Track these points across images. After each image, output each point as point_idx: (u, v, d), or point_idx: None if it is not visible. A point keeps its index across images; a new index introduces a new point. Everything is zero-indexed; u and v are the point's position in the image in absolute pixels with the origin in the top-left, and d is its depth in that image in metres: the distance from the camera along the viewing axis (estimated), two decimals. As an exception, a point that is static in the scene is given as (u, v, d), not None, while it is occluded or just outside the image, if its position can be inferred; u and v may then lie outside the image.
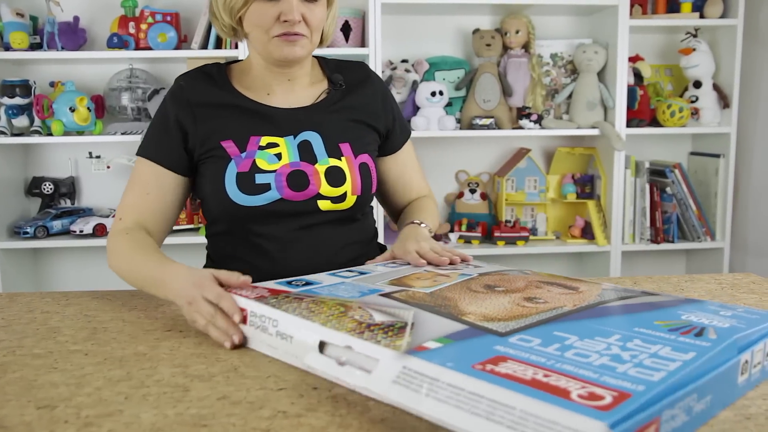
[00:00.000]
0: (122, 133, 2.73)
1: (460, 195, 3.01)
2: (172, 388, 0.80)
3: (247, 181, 1.24)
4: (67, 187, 2.90)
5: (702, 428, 0.68)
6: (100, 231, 2.72)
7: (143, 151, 1.29)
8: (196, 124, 1.27)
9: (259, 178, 1.24)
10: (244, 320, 0.92)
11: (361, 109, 1.37)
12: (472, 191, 3.00)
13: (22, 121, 2.73)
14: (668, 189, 2.94)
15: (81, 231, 2.70)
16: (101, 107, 2.82)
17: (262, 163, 1.25)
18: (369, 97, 1.39)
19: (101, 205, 2.96)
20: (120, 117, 2.84)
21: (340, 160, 1.30)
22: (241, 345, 0.92)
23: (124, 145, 2.85)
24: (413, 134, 2.79)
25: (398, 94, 2.89)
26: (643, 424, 0.58)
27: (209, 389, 0.79)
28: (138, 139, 2.66)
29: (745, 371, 0.75)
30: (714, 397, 0.70)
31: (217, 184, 1.25)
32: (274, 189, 1.24)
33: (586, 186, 3.00)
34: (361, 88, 1.39)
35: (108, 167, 2.88)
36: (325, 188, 1.28)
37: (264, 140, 1.27)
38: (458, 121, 2.90)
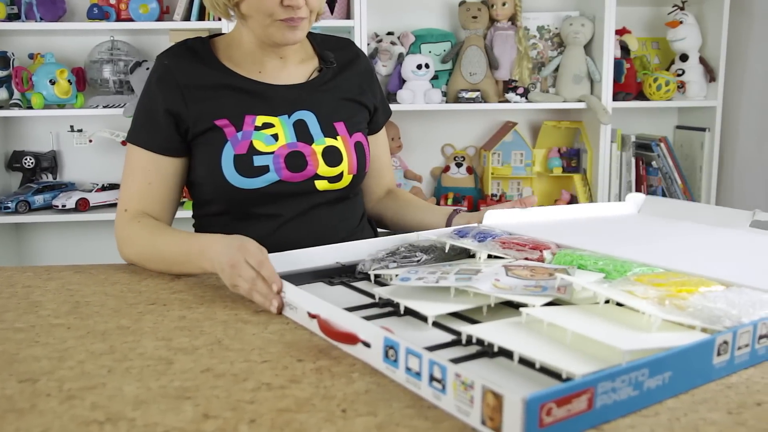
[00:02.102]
0: (104, 107, 2.70)
1: (446, 169, 3.01)
2: (156, 361, 0.80)
3: (245, 164, 1.22)
4: (49, 162, 2.87)
5: (682, 396, 0.69)
6: (82, 205, 2.70)
7: (136, 139, 1.26)
8: (188, 106, 1.24)
9: (258, 160, 1.23)
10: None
11: (353, 88, 1.37)
12: (459, 165, 3.00)
13: (1, 94, 2.69)
14: (654, 163, 2.95)
15: (63, 206, 2.67)
16: (82, 80, 2.79)
17: (259, 145, 1.24)
18: (359, 75, 1.39)
19: (84, 179, 2.94)
20: (102, 90, 2.81)
21: (336, 139, 1.30)
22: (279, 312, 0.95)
23: (106, 119, 2.83)
24: (399, 108, 2.78)
25: (384, 67, 2.87)
26: (573, 392, 0.60)
27: (193, 362, 0.79)
28: (120, 112, 2.63)
29: (724, 352, 0.73)
30: (676, 375, 0.68)
31: (213, 166, 1.23)
32: (273, 171, 1.23)
33: (572, 160, 3.00)
34: (352, 66, 1.39)
35: (90, 141, 2.85)
36: (323, 168, 1.27)
37: (259, 120, 1.26)
38: (444, 94, 2.89)
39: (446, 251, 1.09)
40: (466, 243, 1.09)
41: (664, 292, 0.83)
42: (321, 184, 1.29)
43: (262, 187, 1.24)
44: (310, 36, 1.39)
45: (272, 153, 1.24)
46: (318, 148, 1.27)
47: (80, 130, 2.87)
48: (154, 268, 1.18)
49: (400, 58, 2.85)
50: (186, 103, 1.24)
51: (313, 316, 0.87)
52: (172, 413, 0.67)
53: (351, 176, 1.31)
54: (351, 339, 0.79)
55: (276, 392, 0.71)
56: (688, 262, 1.00)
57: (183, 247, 1.12)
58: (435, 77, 2.89)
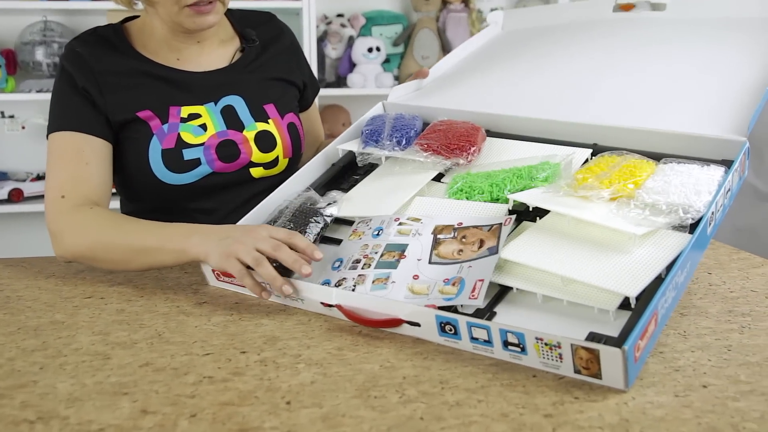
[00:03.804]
0: (37, 91, 2.63)
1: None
2: (91, 356, 0.79)
3: (174, 158, 1.19)
4: (-21, 150, 2.80)
5: (635, 381, 0.71)
6: (15, 196, 2.63)
7: (60, 125, 1.18)
8: (104, 95, 1.18)
9: (187, 154, 1.20)
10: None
11: (279, 66, 1.35)
12: (412, 151, 3.00)
13: (-75, 78, 2.61)
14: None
15: (-5, 196, 2.61)
16: (13, 63, 2.71)
17: (187, 137, 1.20)
18: (284, 51, 1.37)
19: (16, 168, 2.86)
20: (34, 74, 2.74)
21: (268, 123, 1.27)
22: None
23: (40, 104, 2.76)
24: (350, 92, 2.78)
25: (333, 50, 2.86)
26: (649, 320, 0.73)
27: (131, 356, 0.79)
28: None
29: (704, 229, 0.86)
30: (691, 264, 0.84)
31: (140, 163, 1.19)
32: (205, 163, 1.20)
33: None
34: (276, 42, 1.36)
35: (23, 128, 2.78)
36: (257, 155, 1.25)
37: (185, 111, 1.22)
38: (396, 78, 2.89)
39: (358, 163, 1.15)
40: (383, 150, 1.12)
41: (613, 192, 0.91)
42: (257, 172, 1.27)
43: (195, 181, 1.21)
44: (229, 13, 1.33)
45: (202, 144, 1.21)
46: (250, 134, 1.25)
47: (12, 117, 2.80)
48: (109, 262, 1.06)
49: (351, 41, 2.85)
50: (102, 91, 1.19)
51: (327, 305, 0.89)
52: (108, 410, 0.67)
53: (287, 160, 1.29)
54: (394, 323, 0.84)
55: (218, 385, 0.71)
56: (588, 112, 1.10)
57: (157, 232, 1.03)
58: (386, 60, 2.89)
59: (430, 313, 0.81)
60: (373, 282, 0.90)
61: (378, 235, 0.98)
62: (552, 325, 0.80)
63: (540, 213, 0.94)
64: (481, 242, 0.91)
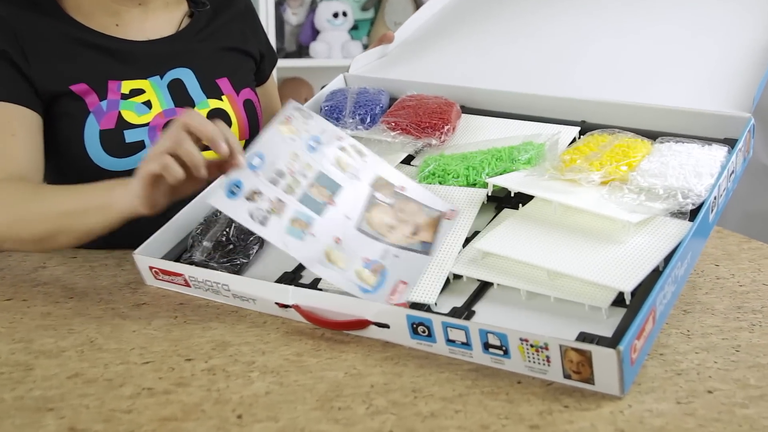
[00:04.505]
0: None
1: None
2: (11, 367, 0.77)
3: (115, 141, 1.16)
4: None
5: (631, 386, 0.71)
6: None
7: None
8: (30, 62, 1.15)
9: (129, 136, 1.17)
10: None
11: (233, 34, 1.33)
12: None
13: None
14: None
15: None
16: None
17: (129, 116, 1.18)
18: (238, 17, 1.35)
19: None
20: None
21: (221, 100, 1.26)
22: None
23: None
24: (313, 63, 2.76)
25: (294, 15, 2.84)
26: (646, 318, 0.72)
27: (58, 366, 0.77)
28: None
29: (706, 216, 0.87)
30: (693, 253, 0.86)
31: (73, 144, 1.16)
32: (149, 146, 1.17)
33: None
34: (228, 6, 1.34)
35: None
36: None
37: (126, 86, 1.19)
38: (365, 47, 2.88)
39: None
40: (345, 130, 1.10)
41: (604, 175, 0.91)
42: (209, 155, 1.23)
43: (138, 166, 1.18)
44: None
45: (146, 125, 1.18)
46: (201, 112, 1.23)
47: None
48: (33, 240, 1.02)
49: (313, 5, 2.83)
50: (27, 58, 1.15)
51: (283, 306, 0.88)
52: (30, 428, 0.65)
53: (243, 143, 1.28)
54: (359, 324, 0.83)
55: (159, 398, 0.70)
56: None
57: (79, 193, 0.99)
58: (354, 27, 2.88)
59: (400, 313, 0.80)
60: (291, 221, 0.87)
61: (314, 149, 0.94)
62: (538, 324, 0.80)
63: (522, 199, 0.94)
64: (416, 229, 0.90)
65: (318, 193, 0.91)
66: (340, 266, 0.86)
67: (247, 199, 0.88)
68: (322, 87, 1.27)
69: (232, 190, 0.88)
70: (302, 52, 2.85)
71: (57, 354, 0.80)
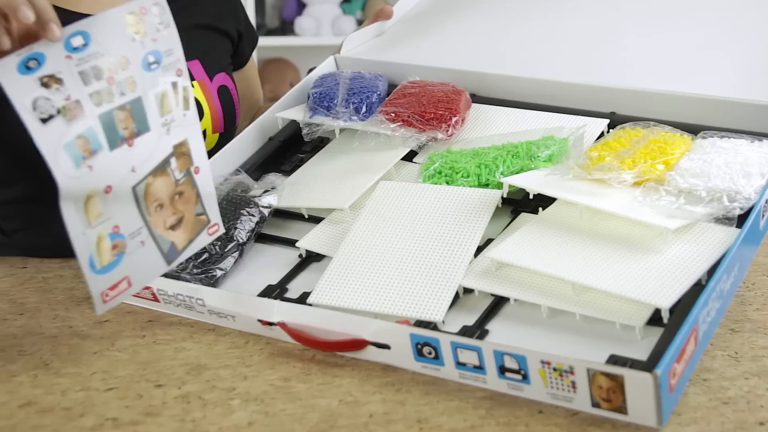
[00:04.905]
0: None
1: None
2: (-47, 395, 0.78)
3: None
4: None
5: (670, 416, 0.71)
6: None
7: None
8: None
9: None
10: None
11: (206, 10, 1.33)
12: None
13: None
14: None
15: None
16: None
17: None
18: None
19: None
20: None
21: (192, 86, 1.25)
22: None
23: None
24: (298, 41, 2.75)
25: (275, -10, 2.84)
26: (687, 339, 0.73)
27: (7, 394, 0.78)
28: None
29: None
30: (741, 264, 0.86)
31: (15, 133, 1.15)
32: None
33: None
34: None
35: None
36: None
37: None
38: (359, 23, 2.88)
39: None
40: (337, 120, 1.11)
41: (637, 174, 0.91)
42: None
43: None
44: None
45: None
46: None
47: None
48: None
49: (297, -24, 2.83)
50: None
51: (267, 323, 0.88)
52: (-24, 466, 0.65)
53: (216, 136, 1.28)
54: (355, 345, 0.83)
55: (125, 429, 0.71)
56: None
57: None
58: (346, 0, 2.87)
59: (403, 332, 0.80)
60: (77, 137, 0.78)
61: (149, 69, 0.86)
62: (562, 346, 0.80)
63: (543, 202, 0.94)
64: (177, 223, 0.87)
65: (123, 122, 0.83)
66: (89, 219, 0.80)
67: (42, 83, 0.77)
68: (310, 70, 1.27)
69: (28, 65, 0.76)
70: (286, 28, 2.84)
71: (6, 379, 0.80)
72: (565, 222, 0.90)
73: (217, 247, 0.98)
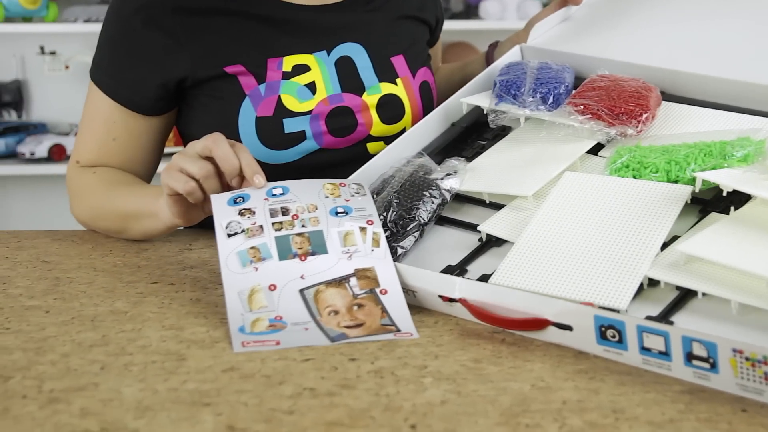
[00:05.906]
0: (85, 21, 2.68)
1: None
2: (163, 356, 0.81)
3: (273, 130, 1.16)
4: (12, 95, 2.89)
5: None
6: (57, 154, 2.72)
7: (99, 78, 1.19)
8: (183, 42, 1.15)
9: (289, 125, 1.16)
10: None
11: (411, 0, 1.30)
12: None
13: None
14: None
15: (32, 153, 2.71)
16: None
17: (290, 102, 1.16)
18: None
19: (58, 118, 2.94)
20: None
21: (395, 84, 1.23)
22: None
23: (87, 37, 2.80)
24: (482, 25, 2.70)
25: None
26: None
27: (212, 358, 0.80)
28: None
29: None
30: None
31: (227, 132, 1.11)
32: (311, 138, 1.17)
33: None
34: None
35: (67, 67, 2.85)
36: (378, 127, 1.22)
37: (288, 62, 1.17)
38: (545, 5, 2.82)
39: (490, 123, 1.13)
40: (524, 109, 1.10)
41: None
42: (374, 147, 1.21)
43: (296, 159, 1.18)
44: None
45: (309, 113, 1.16)
46: (371, 99, 1.21)
47: (53, 53, 2.86)
48: (108, 230, 1.18)
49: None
50: (181, 37, 1.15)
51: (447, 299, 0.89)
52: (186, 423, 0.68)
53: None
54: (536, 324, 0.83)
55: (322, 400, 0.72)
56: None
57: (137, 195, 1.09)
58: (533, -18, 2.80)
59: (587, 314, 0.79)
60: (249, 247, 0.92)
61: (336, 215, 0.97)
62: (752, 341, 0.76)
63: (735, 203, 0.91)
64: (357, 326, 0.87)
65: (298, 244, 0.93)
66: (251, 307, 0.87)
67: (240, 212, 0.95)
68: (490, 45, 1.29)
69: (236, 200, 0.96)
70: (470, 12, 2.78)
71: (210, 344, 0.83)
72: (761, 221, 0.86)
73: (399, 226, 1.00)
